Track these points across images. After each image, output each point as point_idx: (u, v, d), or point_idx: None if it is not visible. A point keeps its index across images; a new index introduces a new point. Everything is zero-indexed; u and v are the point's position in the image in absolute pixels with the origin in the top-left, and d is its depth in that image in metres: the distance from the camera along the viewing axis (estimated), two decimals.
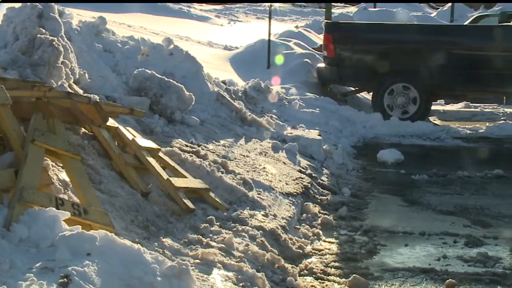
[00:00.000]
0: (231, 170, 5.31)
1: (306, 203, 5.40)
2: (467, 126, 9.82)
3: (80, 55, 6.19)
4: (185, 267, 2.85)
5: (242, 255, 3.83)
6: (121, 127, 4.88)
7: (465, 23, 16.04)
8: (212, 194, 4.63)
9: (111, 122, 4.80)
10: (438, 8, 28.88)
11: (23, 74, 5.07)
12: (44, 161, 3.60)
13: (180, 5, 27.77)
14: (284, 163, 6.27)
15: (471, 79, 9.78)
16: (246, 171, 5.46)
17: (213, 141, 6.13)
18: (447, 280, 3.92)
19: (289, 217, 4.84)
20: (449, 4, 24.64)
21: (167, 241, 3.69)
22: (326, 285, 3.90)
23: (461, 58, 9.71)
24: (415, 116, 9.76)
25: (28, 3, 5.59)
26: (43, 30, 5.41)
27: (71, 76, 5.58)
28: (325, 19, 12.88)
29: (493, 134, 9.32)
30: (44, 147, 3.60)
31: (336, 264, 4.23)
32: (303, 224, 4.95)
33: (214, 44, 16.86)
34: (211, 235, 4.01)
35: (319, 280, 3.96)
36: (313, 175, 6.24)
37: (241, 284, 3.44)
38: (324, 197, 5.80)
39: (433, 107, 10.57)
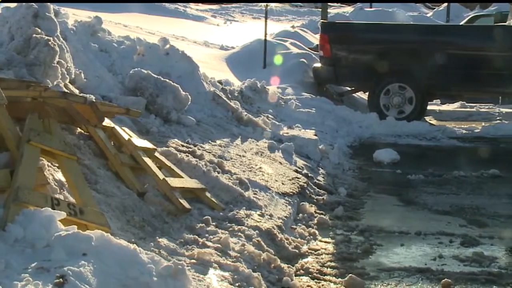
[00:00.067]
0: (227, 170, 5.31)
1: (302, 203, 5.40)
2: (463, 126, 9.84)
3: (76, 55, 6.18)
4: (181, 267, 2.85)
5: (238, 255, 3.82)
6: (117, 127, 4.88)
7: (461, 23, 16.08)
8: (208, 194, 4.63)
9: (107, 122, 4.80)
10: (434, 8, 28.92)
11: (19, 74, 5.06)
12: (40, 161, 3.60)
13: (176, 5, 27.76)
14: (280, 163, 6.27)
15: (467, 79, 9.81)
16: (242, 171, 5.46)
17: (209, 141, 6.13)
18: (443, 280, 3.92)
19: (285, 217, 4.84)
20: (445, 4, 24.70)
21: (163, 241, 3.68)
22: (322, 285, 3.90)
23: (457, 58, 9.73)
24: (411, 116, 9.78)
25: (24, 3, 5.58)
26: (39, 30, 5.40)
27: (67, 76, 5.57)
28: (321, 19, 12.92)
29: (489, 134, 9.34)
30: (39, 147, 3.59)
31: (332, 264, 4.23)
32: (299, 224, 4.95)
33: (210, 44, 16.85)
34: (207, 235, 4.00)
35: (315, 280, 3.96)
36: (309, 175, 6.25)
37: (237, 284, 3.43)
38: (320, 197, 5.80)
39: (429, 107, 10.60)
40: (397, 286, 3.91)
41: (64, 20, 6.63)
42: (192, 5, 30.45)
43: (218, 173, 5.07)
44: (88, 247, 2.75)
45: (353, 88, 11.03)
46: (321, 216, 5.22)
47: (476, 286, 3.94)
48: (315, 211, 5.35)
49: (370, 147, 8.20)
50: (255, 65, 11.89)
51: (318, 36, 12.33)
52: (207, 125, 6.70)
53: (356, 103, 11.29)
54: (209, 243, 3.85)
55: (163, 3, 26.33)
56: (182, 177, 4.65)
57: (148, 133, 5.61)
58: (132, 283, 2.69)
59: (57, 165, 3.82)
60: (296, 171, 6.18)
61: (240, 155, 5.97)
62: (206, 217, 4.27)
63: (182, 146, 5.54)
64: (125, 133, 4.90)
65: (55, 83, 5.26)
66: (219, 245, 3.84)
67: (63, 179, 3.72)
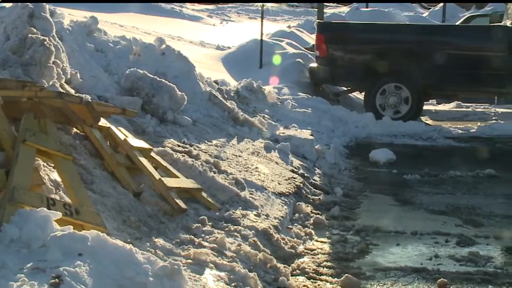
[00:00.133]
0: (223, 170, 5.31)
1: (298, 203, 5.40)
2: (458, 126, 9.85)
3: (71, 55, 6.18)
4: (177, 267, 2.84)
5: (234, 255, 3.82)
6: (113, 127, 4.87)
7: (456, 23, 16.11)
8: (204, 194, 4.63)
9: (103, 122, 4.79)
10: (430, 8, 28.95)
11: (14, 74, 5.05)
12: (36, 161, 3.59)
13: (172, 5, 27.73)
14: (277, 163, 6.27)
15: (462, 79, 9.83)
16: (238, 171, 5.46)
17: (205, 141, 6.13)
18: (439, 280, 3.93)
19: (282, 217, 4.84)
20: (441, 4, 24.71)
21: (159, 241, 3.68)
22: (318, 285, 3.90)
23: (453, 58, 9.74)
24: (407, 116, 9.79)
25: (19, 3, 5.57)
26: (34, 30, 5.39)
27: (63, 76, 5.56)
28: (317, 19, 12.92)
29: (485, 134, 9.36)
30: (35, 147, 3.58)
31: (328, 263, 4.24)
32: (295, 224, 4.95)
33: (206, 44, 16.85)
34: (203, 235, 4.00)
35: (311, 280, 3.96)
36: (306, 175, 6.25)
37: (233, 284, 3.43)
38: (316, 197, 5.80)
39: (425, 107, 10.60)
40: (393, 286, 3.91)
41: (59, 20, 6.63)
42: (188, 5, 30.43)
43: (214, 173, 5.07)
44: (84, 247, 2.75)
45: (349, 88, 11.04)
46: (317, 216, 5.23)
47: (471, 286, 3.95)
48: (311, 211, 5.35)
49: (366, 147, 8.20)
50: (251, 65, 11.89)
51: (314, 36, 12.36)
52: (203, 125, 6.70)
53: (352, 103, 11.30)
54: (205, 243, 3.85)
55: (159, 3, 26.31)
56: (178, 177, 4.65)
57: (144, 133, 5.60)
58: (128, 283, 2.69)
59: (52, 165, 3.81)
60: (292, 171, 6.18)
61: (236, 155, 5.97)
62: (202, 217, 4.26)
63: (178, 146, 5.54)
64: (121, 133, 4.89)
65: (50, 83, 5.25)
66: (215, 245, 3.84)
67: (58, 179, 3.72)
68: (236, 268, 3.60)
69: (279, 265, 3.96)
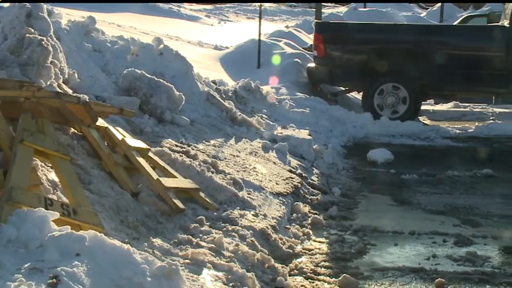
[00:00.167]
0: (221, 170, 5.30)
1: (296, 202, 5.40)
2: (456, 126, 9.86)
3: (69, 55, 6.17)
4: (175, 267, 2.84)
5: (232, 255, 3.82)
6: (110, 127, 4.87)
7: (454, 23, 16.12)
8: (202, 194, 4.63)
9: (100, 122, 4.79)
10: (428, 8, 28.98)
11: (12, 74, 5.04)
12: (33, 161, 3.59)
13: (170, 5, 27.73)
14: (274, 163, 6.27)
15: (460, 79, 9.84)
16: (236, 171, 5.46)
17: (203, 141, 6.13)
18: (437, 279, 3.93)
19: (279, 217, 4.84)
20: (439, 4, 24.74)
21: (157, 241, 3.68)
22: (316, 285, 3.90)
23: (451, 58, 9.75)
24: (405, 116, 9.80)
25: (17, 3, 5.56)
26: (32, 30, 5.38)
27: (60, 76, 5.55)
28: (315, 19, 12.92)
29: (482, 134, 9.37)
30: (33, 147, 3.58)
31: (326, 263, 4.24)
32: (293, 224, 4.95)
33: (204, 44, 16.85)
34: (201, 235, 4.00)
35: (309, 280, 3.96)
36: (303, 175, 6.25)
37: (231, 284, 3.43)
38: (314, 197, 5.80)
39: (422, 107, 10.61)
40: (391, 286, 3.91)
41: (57, 20, 6.61)
42: (186, 5, 30.43)
43: (212, 173, 5.07)
44: (82, 247, 2.74)
45: (347, 88, 11.05)
46: (315, 216, 5.23)
47: (469, 286, 3.95)
48: (309, 211, 5.35)
49: (364, 147, 8.21)
50: (249, 65, 11.90)
51: (312, 36, 12.35)
52: (201, 125, 6.70)
53: (350, 103, 11.31)
54: (203, 243, 3.85)
55: (157, 3, 26.30)
56: (176, 177, 4.65)
57: (142, 133, 5.60)
58: (126, 284, 2.68)
59: (50, 165, 3.81)
60: (290, 171, 6.18)
61: (234, 155, 5.97)
62: (200, 217, 4.26)
63: (176, 146, 5.54)
64: (119, 133, 4.89)
65: (48, 83, 5.24)
66: (213, 245, 3.84)
67: (56, 179, 3.72)
68: (234, 268, 3.60)
69: (277, 265, 3.96)
